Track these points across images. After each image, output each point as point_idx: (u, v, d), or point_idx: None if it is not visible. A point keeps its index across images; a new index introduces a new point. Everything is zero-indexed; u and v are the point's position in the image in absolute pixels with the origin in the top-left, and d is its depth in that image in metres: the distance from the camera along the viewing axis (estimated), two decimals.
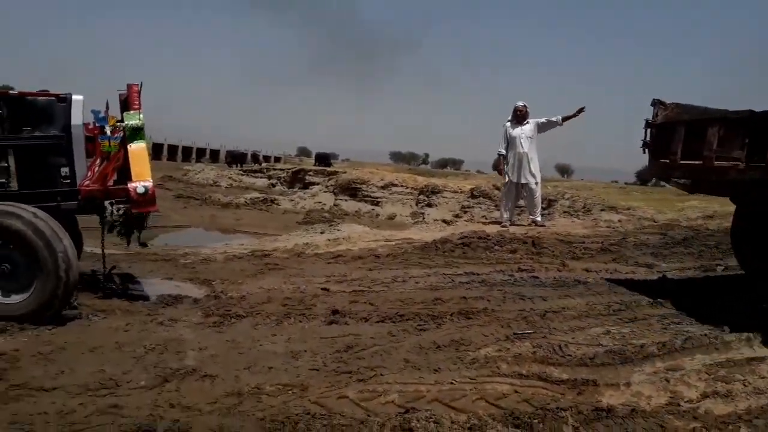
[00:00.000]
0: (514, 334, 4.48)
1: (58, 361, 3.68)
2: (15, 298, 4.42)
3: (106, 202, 5.42)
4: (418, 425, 3.08)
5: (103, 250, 5.73)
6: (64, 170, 5.21)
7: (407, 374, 3.81)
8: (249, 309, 5.00)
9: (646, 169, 6.14)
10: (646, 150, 5.79)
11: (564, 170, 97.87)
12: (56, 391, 3.26)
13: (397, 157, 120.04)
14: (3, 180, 5.01)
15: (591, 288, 5.99)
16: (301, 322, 4.79)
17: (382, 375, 3.77)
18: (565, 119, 9.78)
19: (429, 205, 18.91)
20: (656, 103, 5.68)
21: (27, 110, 5.15)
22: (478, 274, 6.47)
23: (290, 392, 3.48)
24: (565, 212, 12.79)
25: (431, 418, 3.15)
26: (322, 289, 5.71)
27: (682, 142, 5.26)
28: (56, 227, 4.50)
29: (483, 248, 7.93)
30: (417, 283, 6.15)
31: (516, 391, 3.56)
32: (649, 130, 5.76)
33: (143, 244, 5.85)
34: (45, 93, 5.34)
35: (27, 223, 4.37)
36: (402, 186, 19.79)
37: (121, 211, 5.48)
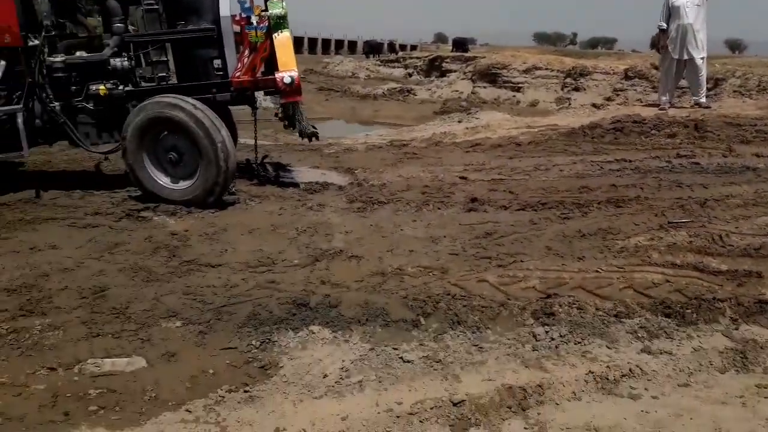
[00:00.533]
0: (669, 222, 4.19)
1: (222, 240, 4.07)
2: (182, 184, 4.87)
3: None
4: (560, 310, 3.06)
5: (255, 140, 6.07)
6: (217, 62, 5.44)
7: (549, 261, 3.75)
8: (389, 196, 5.12)
9: None
10: None
11: (735, 46, 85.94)
12: (221, 267, 3.63)
13: (542, 39, 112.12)
14: (163, 74, 5.37)
15: (762, 174, 5.38)
16: (439, 209, 4.83)
17: (522, 261, 3.75)
18: None
19: (576, 89, 17.59)
20: None
21: (178, 5, 5.37)
22: (630, 161, 6.05)
23: (431, 274, 3.59)
24: (735, 92, 11.29)
25: (574, 303, 3.11)
26: (460, 177, 5.67)
27: None
28: (214, 118, 4.79)
29: (637, 133, 7.35)
30: (561, 171, 5.89)
31: (668, 281, 3.38)
32: None
33: (314, 134, 5.77)
34: None
35: (189, 114, 4.69)
36: (546, 69, 18.48)
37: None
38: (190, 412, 2.32)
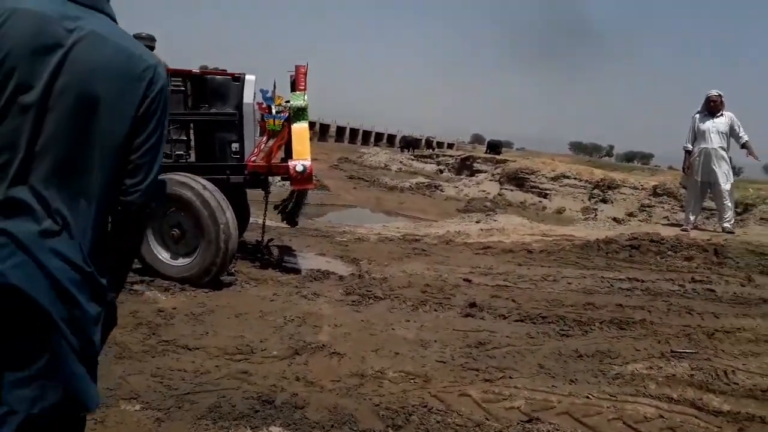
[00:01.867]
0: (672, 351, 3.97)
1: (206, 322, 3.99)
2: (181, 261, 4.88)
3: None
4: None
5: (264, 223, 6.13)
6: (235, 146, 5.62)
7: (539, 381, 3.56)
8: (388, 291, 5.02)
9: None
10: None
11: None
12: (198, 351, 3.53)
13: (578, 148, 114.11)
14: (182, 152, 5.54)
15: None
16: (436, 311, 4.69)
17: (511, 378, 3.57)
18: (744, 146, 8.59)
19: (604, 201, 17.55)
20: None
21: (205, 88, 5.62)
22: (642, 281, 5.86)
23: (412, 381, 3.43)
24: (762, 219, 11.09)
25: None
26: (464, 279, 5.56)
27: None
28: (221, 200, 4.86)
29: (654, 252, 7.18)
30: (569, 284, 5.72)
31: (661, 416, 3.15)
32: None
33: (295, 223, 6.24)
34: (222, 72, 5.79)
35: (196, 194, 4.77)
36: (575, 178, 18.59)
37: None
38: None
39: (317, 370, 3.45)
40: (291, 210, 6.00)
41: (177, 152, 5.52)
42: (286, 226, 7.94)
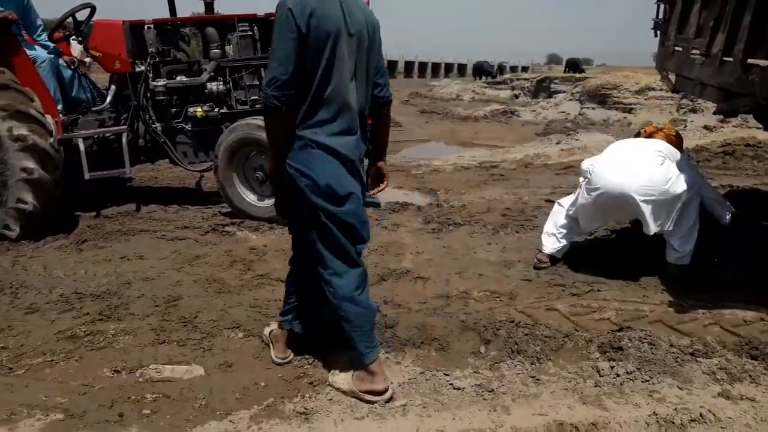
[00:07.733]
0: None
1: None
2: (267, 202, 5.06)
3: None
4: (629, 344, 2.83)
5: None
6: None
7: (630, 292, 3.52)
8: (468, 218, 5.02)
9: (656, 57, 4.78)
10: (658, 32, 4.57)
11: None
12: None
13: None
14: (256, 97, 5.62)
15: None
16: (518, 232, 4.67)
17: (599, 291, 3.54)
18: None
19: (693, 111, 16.44)
20: None
21: (271, 30, 5.62)
22: (737, 187, 5.54)
23: (497, 299, 3.47)
24: None
25: (647, 338, 2.86)
26: (546, 200, 5.46)
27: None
28: None
29: (750, 157, 6.74)
30: None
31: (762, 319, 3.03)
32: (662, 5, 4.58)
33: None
34: None
35: None
36: (661, 90, 17.44)
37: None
38: (233, 423, 2.36)
39: (403, 293, 3.56)
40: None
41: (252, 98, 5.60)
42: None
